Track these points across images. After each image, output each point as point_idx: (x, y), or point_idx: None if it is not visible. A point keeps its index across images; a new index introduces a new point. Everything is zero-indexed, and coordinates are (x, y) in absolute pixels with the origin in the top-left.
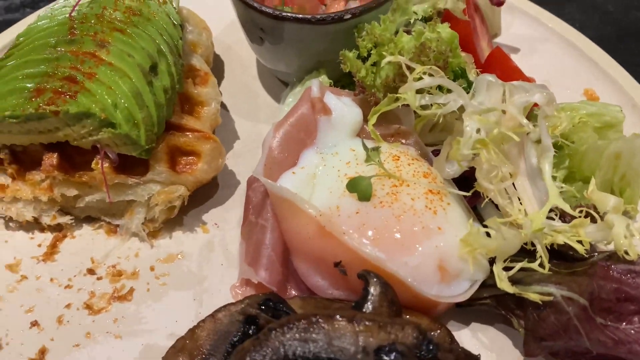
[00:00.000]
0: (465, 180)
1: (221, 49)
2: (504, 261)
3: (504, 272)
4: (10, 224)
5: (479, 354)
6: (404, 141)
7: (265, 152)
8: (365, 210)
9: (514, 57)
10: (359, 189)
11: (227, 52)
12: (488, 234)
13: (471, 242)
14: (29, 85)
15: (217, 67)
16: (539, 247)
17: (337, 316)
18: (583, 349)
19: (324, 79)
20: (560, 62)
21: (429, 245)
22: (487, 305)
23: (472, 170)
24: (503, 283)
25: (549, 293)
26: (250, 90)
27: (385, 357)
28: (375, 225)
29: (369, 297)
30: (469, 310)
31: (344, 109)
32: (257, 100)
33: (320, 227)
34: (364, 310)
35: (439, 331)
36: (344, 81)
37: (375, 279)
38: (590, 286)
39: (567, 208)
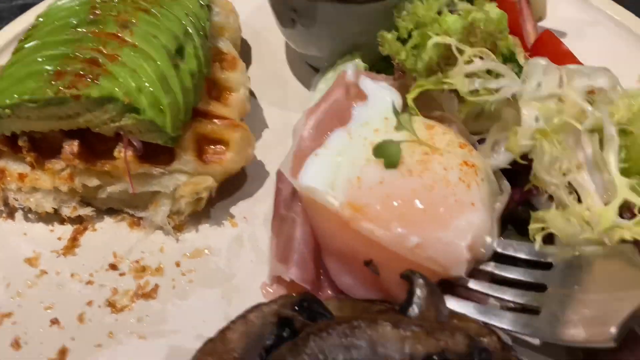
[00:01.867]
0: (512, 173)
1: (248, 34)
2: None
3: None
4: (30, 215)
5: None
6: None
7: (295, 141)
8: (391, 180)
9: None
10: (387, 153)
11: (254, 37)
12: None
13: (549, 220)
14: (48, 68)
15: (244, 52)
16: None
17: (381, 321)
18: None
19: (358, 63)
20: (612, 47)
21: (463, 221)
22: None
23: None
24: None
25: None
26: (280, 77)
27: None
28: (402, 196)
29: (415, 299)
30: None
31: (381, 92)
32: (286, 88)
33: (343, 221)
34: (409, 314)
35: (488, 337)
36: (380, 66)
37: (420, 280)
38: None
39: (638, 201)
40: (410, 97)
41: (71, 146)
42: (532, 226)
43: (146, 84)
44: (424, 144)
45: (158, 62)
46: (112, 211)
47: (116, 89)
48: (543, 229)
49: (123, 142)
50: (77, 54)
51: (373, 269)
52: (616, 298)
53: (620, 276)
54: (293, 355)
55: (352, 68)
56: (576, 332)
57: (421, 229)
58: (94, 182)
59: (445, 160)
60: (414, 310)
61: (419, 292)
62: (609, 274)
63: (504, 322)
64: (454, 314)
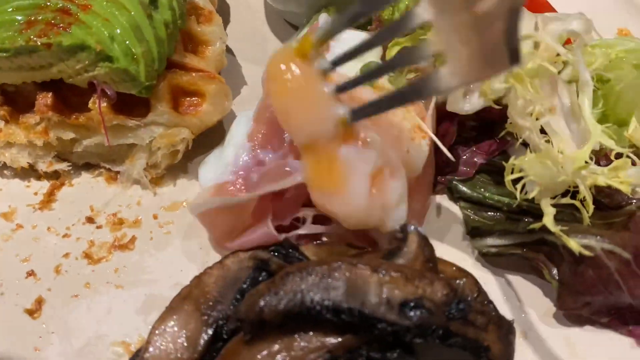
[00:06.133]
0: (488, 125)
1: None
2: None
3: (552, 209)
4: (5, 171)
5: (513, 319)
6: None
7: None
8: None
9: None
10: None
11: None
12: None
13: (526, 166)
14: (18, 17)
15: (223, 11)
16: (582, 188)
17: (361, 264)
18: (623, 304)
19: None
20: (591, 1)
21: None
22: (516, 255)
23: (491, 112)
24: (548, 219)
25: (589, 246)
26: (258, 34)
27: (410, 313)
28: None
29: (404, 249)
30: (495, 261)
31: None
32: (265, 45)
33: None
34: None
35: (465, 280)
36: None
37: (415, 232)
38: (635, 239)
39: (612, 144)
40: (389, 54)
41: (45, 98)
42: (509, 176)
43: (119, 32)
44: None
45: (131, 12)
46: (88, 166)
47: (88, 37)
48: (521, 178)
49: (97, 92)
50: (47, 3)
51: None
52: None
53: None
54: (269, 293)
55: (324, 18)
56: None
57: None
58: (69, 135)
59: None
60: (399, 260)
61: (409, 241)
62: None
63: (414, 95)
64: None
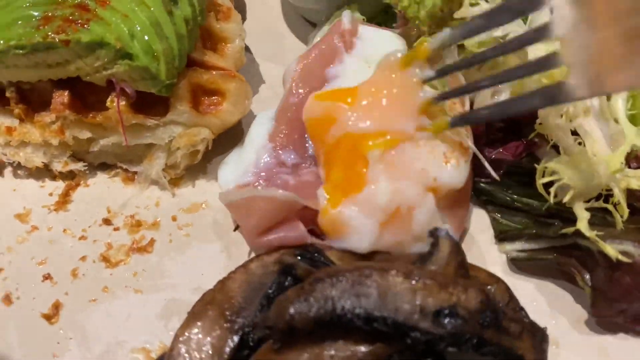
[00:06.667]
0: (515, 126)
1: None
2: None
3: (586, 213)
4: (19, 171)
5: (546, 327)
6: None
7: (286, 87)
8: None
9: None
10: None
11: None
12: None
13: (560, 170)
14: (35, 13)
15: (240, 8)
16: (616, 191)
17: (393, 270)
18: None
19: (356, 15)
20: None
21: None
22: (546, 260)
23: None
24: (582, 224)
25: (627, 252)
26: (275, 31)
27: (444, 321)
28: None
29: (436, 254)
30: (524, 266)
31: (385, 38)
32: (282, 42)
33: None
34: (425, 268)
35: (496, 286)
36: (379, 18)
37: (446, 236)
38: None
39: None
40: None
41: (61, 96)
42: (540, 180)
43: (139, 29)
44: None
45: (151, 8)
46: (105, 166)
47: (108, 33)
48: (553, 182)
49: (116, 90)
50: None
51: None
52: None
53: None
54: (299, 299)
55: (348, 15)
56: (611, 82)
57: None
58: (85, 134)
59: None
60: (431, 266)
61: (441, 247)
62: None
63: (535, 101)
64: None
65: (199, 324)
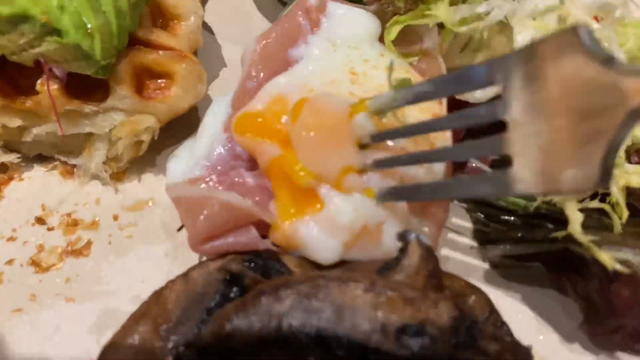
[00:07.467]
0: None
1: None
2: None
3: (579, 214)
4: None
5: (530, 345)
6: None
7: (244, 69)
8: None
9: None
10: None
11: None
12: None
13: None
14: None
15: None
16: (613, 190)
17: (352, 282)
18: None
19: None
20: None
21: None
22: (533, 267)
23: None
24: (575, 227)
25: (625, 260)
26: (241, 10)
27: (409, 341)
28: None
29: (404, 261)
30: (509, 273)
31: (356, 17)
32: (249, 22)
33: None
34: (390, 277)
35: (475, 297)
36: None
37: (417, 241)
38: None
39: None
40: (389, 38)
41: None
42: None
43: (69, 1)
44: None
45: None
46: (42, 158)
47: (33, 5)
48: None
49: (45, 71)
50: None
51: None
52: (590, 126)
53: (585, 88)
54: (239, 314)
55: None
56: (560, 179)
57: None
58: (15, 121)
59: None
60: (398, 275)
61: (410, 253)
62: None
63: (479, 188)
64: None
65: (127, 341)
